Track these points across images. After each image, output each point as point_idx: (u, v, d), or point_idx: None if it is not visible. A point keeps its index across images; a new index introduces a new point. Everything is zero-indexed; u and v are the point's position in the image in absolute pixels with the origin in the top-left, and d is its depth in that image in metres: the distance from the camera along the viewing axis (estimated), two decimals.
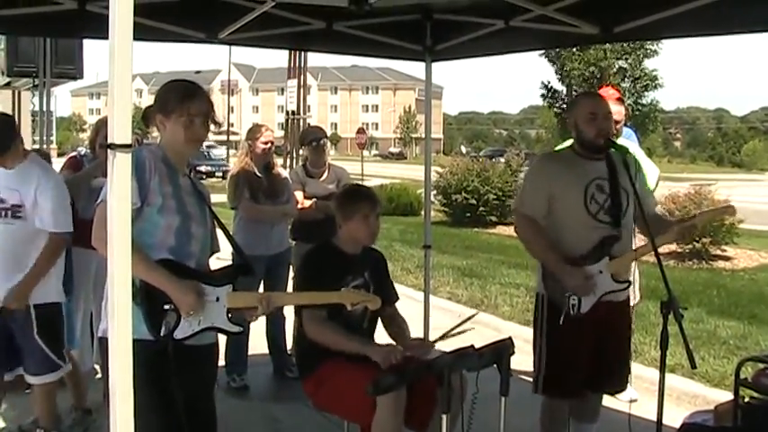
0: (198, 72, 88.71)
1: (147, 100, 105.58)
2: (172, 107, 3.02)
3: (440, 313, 7.63)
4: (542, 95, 38.77)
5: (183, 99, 3.02)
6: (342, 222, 3.96)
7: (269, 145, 5.97)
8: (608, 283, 3.90)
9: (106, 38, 2.09)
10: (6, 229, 4.20)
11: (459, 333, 3.82)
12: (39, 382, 4.40)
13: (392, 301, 4.10)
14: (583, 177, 3.93)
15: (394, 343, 3.92)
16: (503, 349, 3.11)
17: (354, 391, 3.44)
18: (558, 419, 4.10)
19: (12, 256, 4.22)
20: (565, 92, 36.21)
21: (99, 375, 5.35)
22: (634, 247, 4.16)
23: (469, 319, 3.96)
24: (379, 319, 4.03)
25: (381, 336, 4.04)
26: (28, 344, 4.30)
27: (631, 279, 5.32)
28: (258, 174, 5.90)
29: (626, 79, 36.53)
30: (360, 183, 6.30)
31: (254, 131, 6.03)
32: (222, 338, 3.29)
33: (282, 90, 26.35)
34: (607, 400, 4.56)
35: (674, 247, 11.94)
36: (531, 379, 4.15)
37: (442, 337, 3.85)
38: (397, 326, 4.06)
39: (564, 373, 3.95)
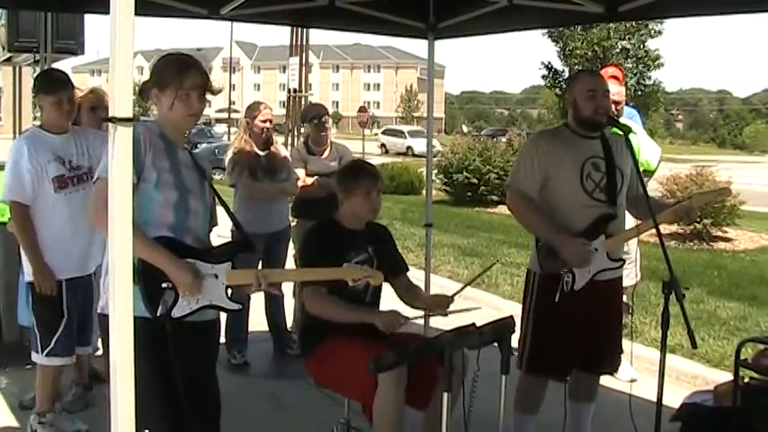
0: (199, 49, 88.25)
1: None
2: (167, 81, 3.00)
3: (440, 292, 7.60)
4: (543, 76, 38.46)
5: (178, 73, 2.99)
6: (343, 199, 3.94)
7: (267, 123, 5.93)
8: (603, 261, 3.89)
9: (108, 12, 2.07)
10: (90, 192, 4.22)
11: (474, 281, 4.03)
12: (86, 352, 4.56)
13: (403, 270, 4.10)
14: (578, 155, 3.91)
15: (398, 310, 3.87)
16: (504, 328, 3.11)
17: (356, 369, 3.44)
18: (537, 398, 4.09)
19: None
20: (567, 72, 35.86)
21: (99, 352, 5.37)
22: (627, 228, 4.13)
23: (487, 270, 4.20)
24: (395, 292, 4.04)
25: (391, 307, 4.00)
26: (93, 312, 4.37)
27: (632, 258, 5.33)
28: (257, 152, 5.88)
29: (628, 59, 36.24)
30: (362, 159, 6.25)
31: (253, 109, 5.99)
32: (222, 315, 3.28)
33: (284, 68, 26.19)
34: (607, 380, 4.57)
35: (675, 228, 11.95)
36: None
37: (461, 290, 3.90)
38: (412, 292, 4.06)
39: (550, 351, 3.95)
